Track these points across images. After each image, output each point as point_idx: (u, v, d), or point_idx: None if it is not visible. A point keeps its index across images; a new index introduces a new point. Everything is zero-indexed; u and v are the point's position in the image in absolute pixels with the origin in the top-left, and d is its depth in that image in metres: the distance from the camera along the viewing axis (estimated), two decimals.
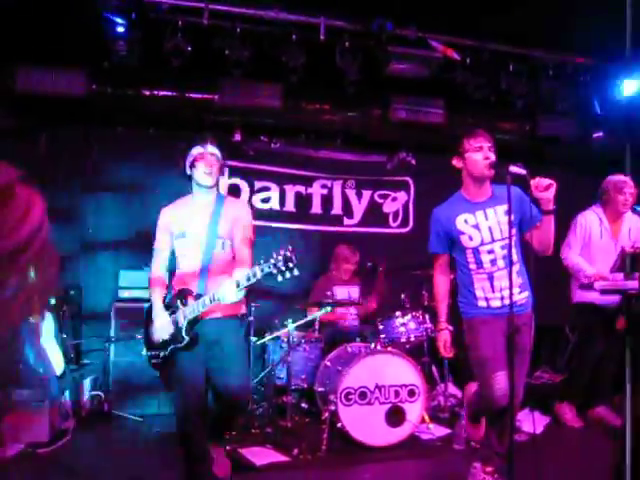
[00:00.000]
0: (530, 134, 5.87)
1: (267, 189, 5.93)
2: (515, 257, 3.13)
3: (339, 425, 4.01)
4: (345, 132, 5.75)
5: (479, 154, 3.07)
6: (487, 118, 5.78)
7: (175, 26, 4.66)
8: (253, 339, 4.56)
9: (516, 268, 3.14)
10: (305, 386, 4.61)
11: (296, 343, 4.59)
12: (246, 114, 5.33)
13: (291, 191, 6.00)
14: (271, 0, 4.75)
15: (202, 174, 3.29)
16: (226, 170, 5.76)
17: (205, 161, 3.28)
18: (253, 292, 3.92)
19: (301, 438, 4.06)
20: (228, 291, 2.95)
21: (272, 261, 2.78)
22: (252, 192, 5.87)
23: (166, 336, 3.21)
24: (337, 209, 6.16)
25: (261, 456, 3.80)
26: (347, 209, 6.18)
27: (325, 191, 6.11)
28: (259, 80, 5.13)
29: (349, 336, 4.75)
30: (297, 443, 3.97)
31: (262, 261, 2.82)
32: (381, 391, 4.12)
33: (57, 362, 4.27)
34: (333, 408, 4.03)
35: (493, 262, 3.11)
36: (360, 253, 5.33)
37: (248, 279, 2.89)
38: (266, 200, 5.92)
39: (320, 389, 4.36)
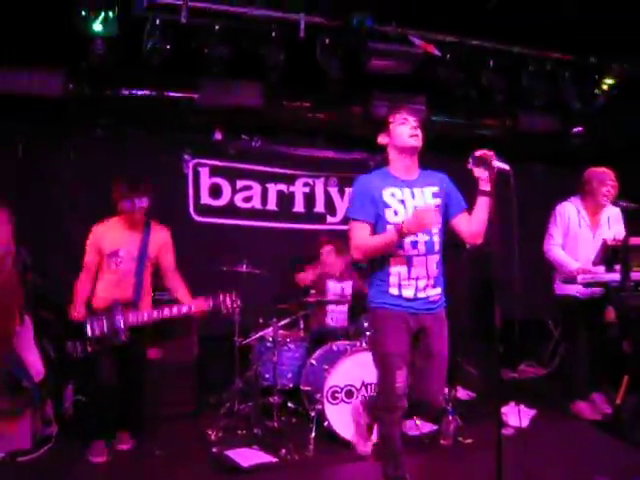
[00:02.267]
0: (511, 129, 5.90)
1: (249, 188, 5.90)
2: (437, 247, 3.00)
3: (326, 424, 3.99)
4: (327, 130, 5.73)
5: (404, 127, 2.99)
6: (469, 114, 5.80)
7: (153, 24, 4.59)
8: (238, 339, 4.51)
9: (435, 259, 3.00)
10: (291, 386, 4.58)
11: (281, 343, 4.56)
12: (226, 113, 5.28)
13: (273, 190, 5.96)
14: None
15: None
16: (207, 169, 5.73)
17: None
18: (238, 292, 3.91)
19: (288, 438, 4.02)
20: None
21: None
22: (234, 191, 5.82)
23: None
24: (320, 207, 6.13)
25: (248, 457, 3.75)
26: (330, 207, 6.16)
27: (307, 189, 6.09)
28: (239, 78, 5.08)
29: (335, 334, 4.72)
30: (284, 443, 3.93)
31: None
32: (367, 389, 4.10)
33: (37, 368, 4.18)
34: (320, 407, 4.01)
35: (414, 245, 2.93)
36: (345, 251, 5.30)
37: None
38: (248, 199, 5.88)
39: (306, 388, 4.34)
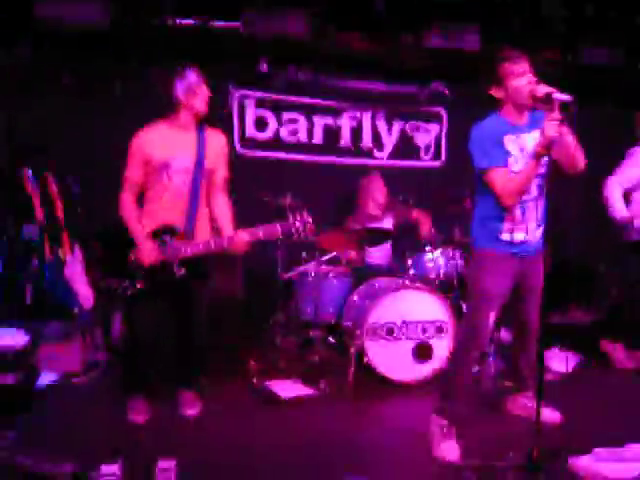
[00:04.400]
0: (572, 63, 5.57)
1: (295, 121, 5.77)
2: (544, 189, 3.02)
3: (366, 360, 4.01)
4: (376, 61, 5.52)
5: (523, 79, 2.86)
6: (526, 45, 5.47)
7: None
8: (281, 273, 4.52)
9: (543, 201, 3.04)
10: (332, 321, 4.59)
11: (323, 277, 4.54)
12: (272, 43, 5.14)
13: (319, 123, 5.82)
14: None
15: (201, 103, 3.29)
16: (252, 101, 5.63)
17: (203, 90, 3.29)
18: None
19: (328, 372, 4.07)
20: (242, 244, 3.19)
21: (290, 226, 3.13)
22: (279, 124, 5.72)
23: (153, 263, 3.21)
24: (367, 141, 5.98)
25: (288, 389, 3.81)
26: (377, 142, 6.00)
27: (354, 123, 5.93)
28: (285, 7, 4.92)
29: (378, 271, 4.68)
30: (324, 377, 3.98)
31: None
32: (408, 327, 4.09)
33: (86, 295, 4.31)
34: (360, 343, 4.02)
35: (529, 190, 2.96)
36: (391, 187, 5.19)
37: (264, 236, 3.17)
38: (294, 132, 5.78)
39: (347, 324, 4.35)
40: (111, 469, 2.43)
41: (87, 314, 4.33)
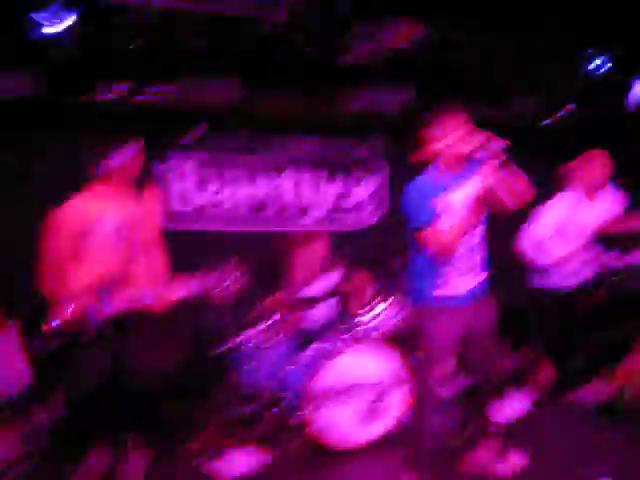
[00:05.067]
0: (500, 113, 5.77)
1: (234, 184, 5.75)
2: (479, 238, 3.14)
3: (313, 429, 3.89)
4: (311, 121, 5.60)
5: (452, 136, 3.00)
6: (456, 100, 5.65)
7: (124, 23, 4.44)
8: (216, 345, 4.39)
9: (479, 251, 3.15)
10: (275, 391, 4.43)
11: (263, 346, 4.42)
12: (208, 108, 5.16)
13: (259, 184, 5.82)
14: None
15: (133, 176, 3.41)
16: (191, 167, 5.60)
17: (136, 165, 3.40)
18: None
19: (274, 444, 3.93)
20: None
21: None
22: (218, 188, 5.68)
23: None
24: (306, 200, 5.99)
25: (232, 466, 3.68)
26: (316, 199, 6.02)
27: (293, 182, 5.94)
28: (219, 72, 4.96)
29: (319, 332, 4.59)
30: (270, 450, 3.85)
31: None
32: (357, 389, 4.01)
33: (21, 375, 4.10)
34: (305, 412, 3.90)
35: (466, 241, 3.07)
36: (329, 245, 5.16)
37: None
38: (234, 196, 5.74)
39: (292, 392, 4.21)
40: None
41: (23, 396, 4.11)
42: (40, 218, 3.36)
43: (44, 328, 3.17)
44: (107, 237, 3.28)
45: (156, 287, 3.36)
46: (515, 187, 3.00)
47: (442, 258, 3.05)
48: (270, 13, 4.63)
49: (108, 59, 4.49)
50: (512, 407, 4.29)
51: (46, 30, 4.04)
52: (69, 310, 3.18)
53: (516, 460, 3.45)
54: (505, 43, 5.11)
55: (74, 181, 3.45)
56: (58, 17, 4.02)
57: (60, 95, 4.67)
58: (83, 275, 3.26)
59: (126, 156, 3.33)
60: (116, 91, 4.84)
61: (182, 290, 3.31)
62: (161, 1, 4.30)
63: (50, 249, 3.28)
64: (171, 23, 4.46)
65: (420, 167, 3.22)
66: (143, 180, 3.52)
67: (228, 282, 3.35)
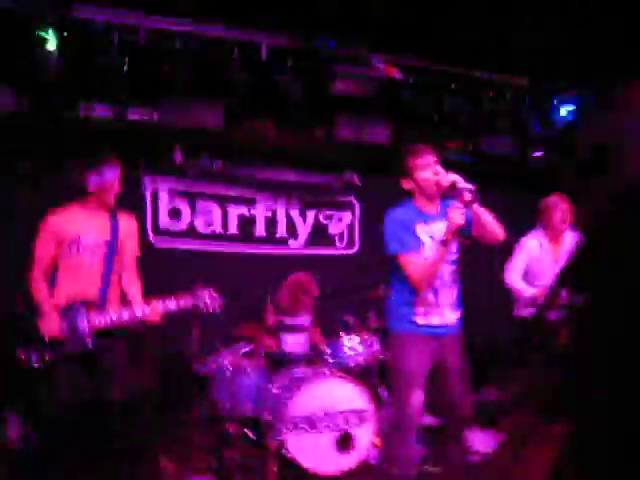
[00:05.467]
0: (473, 152, 5.94)
1: (209, 211, 5.76)
2: (457, 274, 3.19)
3: (288, 455, 3.86)
4: (289, 152, 5.67)
5: (428, 171, 3.06)
6: (432, 137, 5.80)
7: (110, 44, 4.49)
8: (195, 366, 4.34)
9: (457, 285, 3.19)
10: (251, 414, 4.40)
11: (240, 369, 4.37)
12: (187, 134, 5.18)
13: (234, 213, 5.84)
14: (211, 17, 4.65)
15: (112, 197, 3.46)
16: (166, 191, 5.59)
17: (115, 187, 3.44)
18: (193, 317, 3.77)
19: (248, 470, 3.89)
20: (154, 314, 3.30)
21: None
22: (193, 214, 5.69)
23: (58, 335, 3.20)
24: (282, 231, 6.02)
25: None
26: (292, 231, 6.06)
27: (269, 213, 5.98)
28: (200, 99, 5.00)
29: (295, 359, 4.58)
30: (245, 475, 3.79)
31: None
32: (330, 418, 3.99)
33: None
34: (280, 437, 3.88)
35: (441, 276, 3.10)
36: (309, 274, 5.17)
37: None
38: (208, 223, 5.74)
39: (266, 417, 4.19)
40: None
41: None
42: (24, 232, 3.42)
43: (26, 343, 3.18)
44: (87, 253, 3.34)
45: (135, 305, 3.39)
46: (486, 223, 3.08)
47: (418, 289, 3.10)
48: (254, 46, 4.75)
49: (92, 79, 4.50)
50: (479, 444, 4.29)
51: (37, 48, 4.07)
52: (52, 324, 3.21)
53: None
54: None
55: (55, 198, 3.53)
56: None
57: (44, 112, 4.64)
58: (65, 290, 3.32)
59: (106, 176, 3.37)
60: (99, 111, 4.83)
61: (160, 308, 3.34)
62: (149, 23, 4.38)
63: (35, 262, 3.34)
64: (157, 46, 4.52)
65: (397, 200, 3.28)
66: (122, 199, 3.56)
67: (207, 303, 3.43)
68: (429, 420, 4.53)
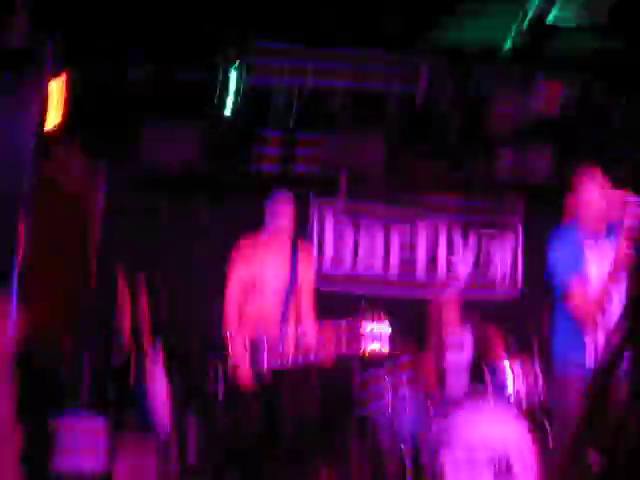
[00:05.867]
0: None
1: (372, 235, 5.85)
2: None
3: None
4: (449, 182, 5.63)
5: (596, 194, 2.94)
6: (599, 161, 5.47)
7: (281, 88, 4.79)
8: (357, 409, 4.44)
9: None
10: (411, 454, 4.33)
11: (401, 407, 4.40)
12: (350, 167, 5.37)
13: (395, 241, 5.86)
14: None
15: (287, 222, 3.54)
16: (331, 212, 5.79)
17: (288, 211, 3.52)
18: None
19: None
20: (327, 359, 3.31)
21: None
22: (358, 233, 5.83)
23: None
24: (442, 265, 5.93)
25: None
26: (453, 261, 5.95)
27: (431, 234, 5.94)
28: (361, 134, 5.16)
29: (457, 401, 4.47)
30: None
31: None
32: (490, 454, 3.88)
33: (164, 421, 4.36)
34: (440, 470, 3.84)
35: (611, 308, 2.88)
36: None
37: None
38: (370, 258, 5.82)
39: (426, 456, 4.16)
40: None
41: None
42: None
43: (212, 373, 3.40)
44: (270, 294, 3.45)
45: (309, 351, 3.41)
46: None
47: (588, 323, 2.90)
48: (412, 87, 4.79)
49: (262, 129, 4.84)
50: None
51: None
52: (241, 360, 3.34)
53: None
54: None
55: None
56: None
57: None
58: (250, 326, 3.44)
59: (280, 213, 3.52)
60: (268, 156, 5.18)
61: (332, 353, 3.35)
62: (312, 80, 4.62)
63: (227, 300, 3.50)
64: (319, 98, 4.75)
65: (562, 227, 3.16)
66: (298, 239, 3.70)
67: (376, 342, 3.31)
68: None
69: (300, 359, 3.35)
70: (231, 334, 3.40)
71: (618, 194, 2.88)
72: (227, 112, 4.80)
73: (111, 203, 5.23)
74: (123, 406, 4.32)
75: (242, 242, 3.56)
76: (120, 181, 5.23)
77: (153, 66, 4.52)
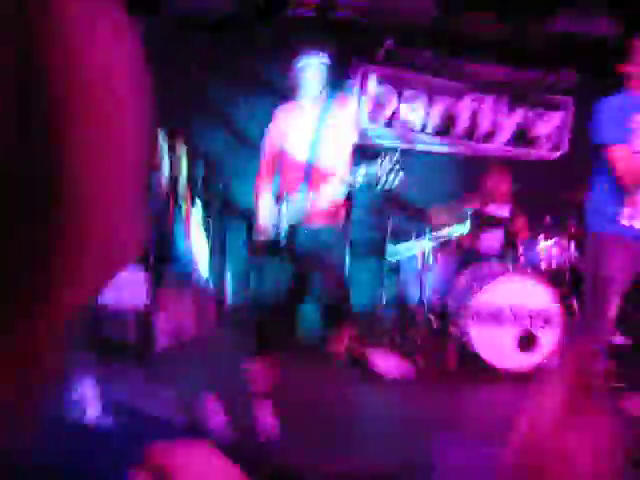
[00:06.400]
0: None
1: (414, 99, 5.72)
2: None
3: (468, 343, 3.98)
4: (502, 44, 5.37)
5: None
6: None
7: None
8: (388, 256, 4.53)
9: None
10: (437, 301, 4.56)
11: (431, 257, 4.49)
12: (395, 25, 5.14)
13: (438, 106, 5.74)
14: None
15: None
16: (374, 77, 5.62)
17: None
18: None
19: (429, 351, 4.08)
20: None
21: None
22: (399, 101, 5.68)
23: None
24: (485, 127, 5.85)
25: (387, 364, 3.85)
26: (496, 127, 5.85)
27: (475, 106, 5.79)
28: None
29: (487, 255, 4.58)
30: (424, 355, 3.99)
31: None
32: (515, 314, 4.01)
33: (203, 249, 4.54)
34: (463, 325, 3.99)
35: None
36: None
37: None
38: (412, 118, 5.71)
39: (452, 305, 4.31)
40: None
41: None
42: None
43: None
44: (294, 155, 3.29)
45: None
46: None
47: (626, 185, 2.82)
48: None
49: None
50: None
51: None
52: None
53: None
54: None
55: None
56: None
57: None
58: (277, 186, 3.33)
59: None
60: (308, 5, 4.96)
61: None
62: None
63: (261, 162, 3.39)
64: None
65: (612, 94, 3.02)
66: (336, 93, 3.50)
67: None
68: (620, 339, 4.35)
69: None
70: (258, 193, 3.33)
71: None
72: None
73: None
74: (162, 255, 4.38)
75: (276, 112, 3.40)
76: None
77: None
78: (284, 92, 3.64)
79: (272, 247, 3.26)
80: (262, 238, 3.29)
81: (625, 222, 2.89)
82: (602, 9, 4.94)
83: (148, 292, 3.87)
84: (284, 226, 3.23)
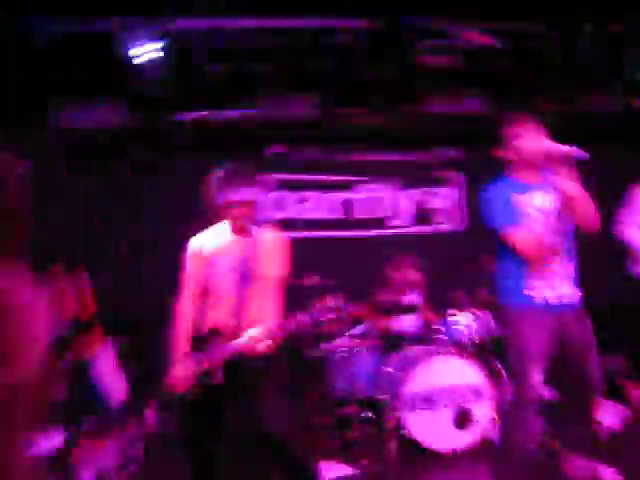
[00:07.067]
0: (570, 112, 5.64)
1: (311, 198, 5.86)
2: (567, 244, 2.99)
3: (406, 432, 3.90)
4: (383, 133, 5.65)
5: (532, 141, 2.90)
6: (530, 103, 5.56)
7: (203, 50, 4.65)
8: (309, 350, 4.46)
9: (573, 258, 3.01)
10: (367, 395, 4.47)
11: (354, 351, 4.45)
12: (285, 126, 5.31)
13: (335, 198, 5.91)
14: (289, 10, 4.66)
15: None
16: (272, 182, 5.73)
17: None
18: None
19: (368, 449, 3.96)
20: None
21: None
22: (296, 202, 5.81)
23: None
24: (383, 212, 6.04)
25: (329, 470, 3.70)
26: (394, 211, 6.05)
27: (370, 194, 5.99)
28: (294, 92, 5.11)
29: (408, 339, 4.60)
30: (364, 454, 3.87)
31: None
32: (447, 395, 3.99)
33: (118, 389, 4.31)
34: (398, 415, 3.92)
35: (552, 247, 2.92)
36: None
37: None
38: (311, 210, 5.84)
39: (383, 397, 4.24)
40: None
41: (119, 409, 4.31)
42: None
43: None
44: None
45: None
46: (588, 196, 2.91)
47: (528, 260, 2.93)
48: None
49: (189, 83, 4.71)
50: (604, 420, 4.09)
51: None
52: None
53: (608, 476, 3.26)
54: None
55: None
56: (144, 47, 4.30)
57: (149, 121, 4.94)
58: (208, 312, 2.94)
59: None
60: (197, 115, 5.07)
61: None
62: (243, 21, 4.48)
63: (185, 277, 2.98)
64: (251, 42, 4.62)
65: (498, 172, 3.18)
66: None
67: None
68: (550, 395, 4.39)
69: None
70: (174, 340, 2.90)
71: (551, 142, 2.88)
72: None
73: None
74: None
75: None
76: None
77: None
78: None
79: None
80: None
81: (531, 292, 2.96)
82: (474, 90, 5.31)
83: None
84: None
